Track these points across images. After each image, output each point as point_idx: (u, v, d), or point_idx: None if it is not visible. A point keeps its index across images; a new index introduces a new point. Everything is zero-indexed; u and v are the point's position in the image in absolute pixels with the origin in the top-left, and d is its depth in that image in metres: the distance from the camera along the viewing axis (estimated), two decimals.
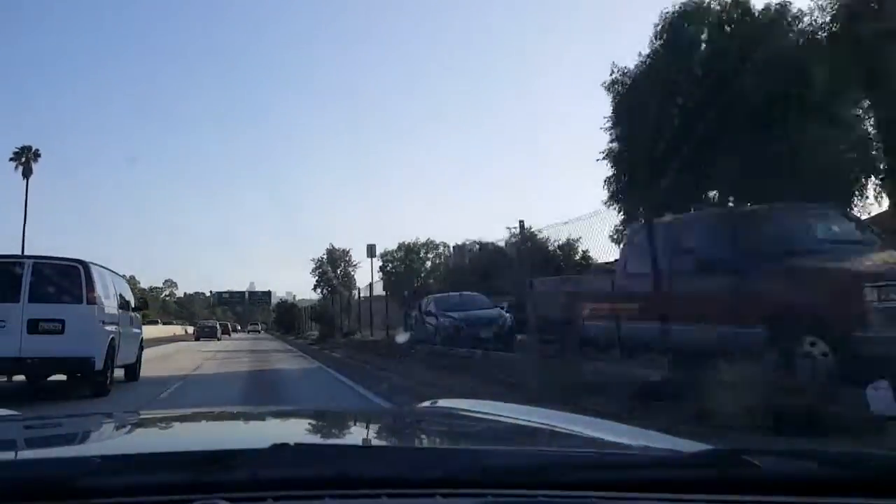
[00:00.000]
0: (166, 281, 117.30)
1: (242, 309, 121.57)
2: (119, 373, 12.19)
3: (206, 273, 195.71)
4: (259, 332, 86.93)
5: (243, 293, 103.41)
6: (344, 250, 54.62)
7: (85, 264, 10.63)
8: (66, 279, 10.37)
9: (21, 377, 10.80)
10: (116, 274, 12.90)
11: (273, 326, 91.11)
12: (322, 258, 54.67)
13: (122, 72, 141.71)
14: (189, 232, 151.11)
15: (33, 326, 9.99)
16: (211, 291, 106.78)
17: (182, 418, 2.49)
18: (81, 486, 1.10)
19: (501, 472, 1.20)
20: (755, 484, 1.20)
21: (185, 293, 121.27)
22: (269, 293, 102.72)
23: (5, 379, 10.83)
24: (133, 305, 13.27)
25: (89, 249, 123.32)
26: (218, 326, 56.96)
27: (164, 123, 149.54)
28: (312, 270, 54.06)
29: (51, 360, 10.05)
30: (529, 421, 1.98)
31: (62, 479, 1.12)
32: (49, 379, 11.02)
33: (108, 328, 10.98)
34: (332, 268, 53.64)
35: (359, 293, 33.41)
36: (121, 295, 12.21)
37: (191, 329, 63.60)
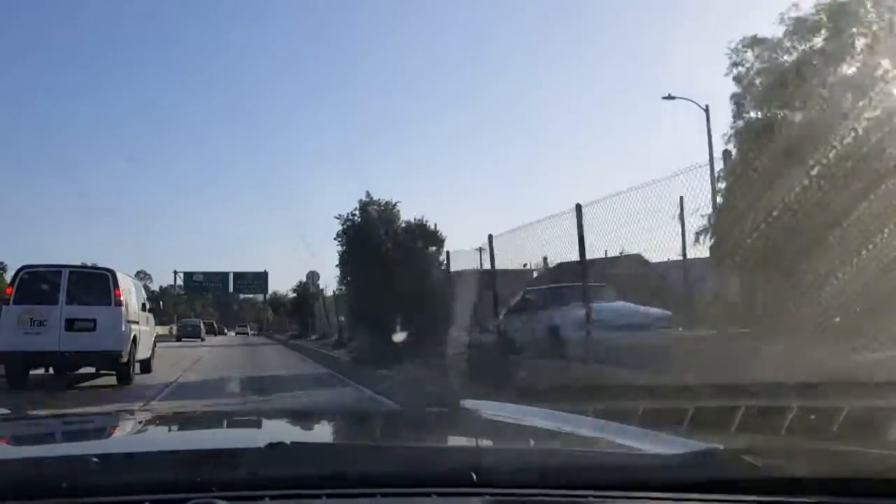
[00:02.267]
0: (138, 273, 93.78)
1: (226, 301, 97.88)
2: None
3: (184, 264, 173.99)
4: (248, 333, 70.60)
5: (226, 275, 71.94)
6: (388, 202, 35.26)
7: (112, 272, 12.40)
8: (97, 284, 12.14)
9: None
10: (136, 279, 14.67)
11: (275, 326, 68.46)
12: (353, 215, 35.64)
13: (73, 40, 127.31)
14: (165, 217, 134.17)
15: (70, 325, 11.76)
16: (175, 272, 73.70)
17: (179, 418, 2.55)
18: (79, 484, 1.12)
19: (497, 472, 1.22)
20: (755, 483, 1.21)
21: (160, 287, 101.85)
22: (264, 275, 72.32)
23: (43, 371, 12.60)
24: (149, 308, 15.04)
25: (48, 240, 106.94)
26: (202, 325, 51.44)
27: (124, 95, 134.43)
28: (338, 235, 35.92)
29: (85, 353, 11.80)
30: (529, 421, 2.01)
31: (60, 477, 1.13)
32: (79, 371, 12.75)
33: (132, 327, 12.67)
34: (369, 230, 35.76)
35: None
36: (140, 298, 13.97)
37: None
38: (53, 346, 11.63)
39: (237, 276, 74.39)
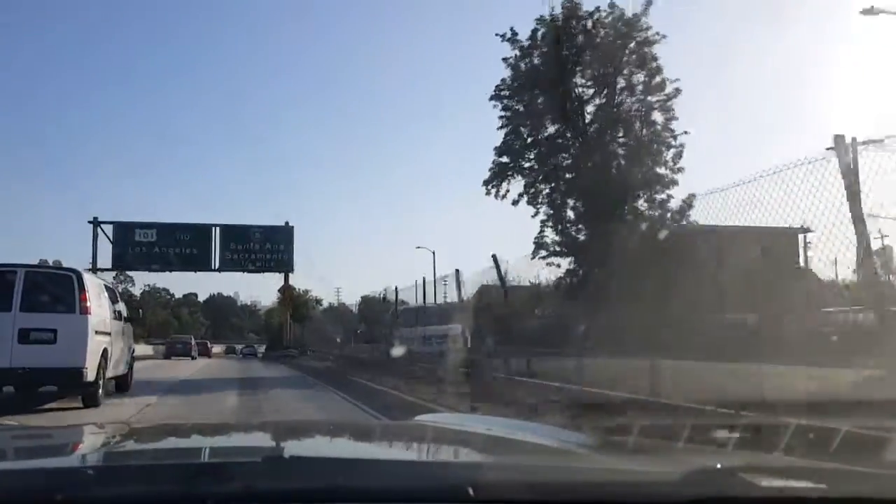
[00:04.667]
0: (118, 275, 74.45)
1: (221, 307, 78.47)
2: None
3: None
4: (257, 354, 51.13)
5: (205, 232, 41.32)
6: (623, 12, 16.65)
7: (78, 273, 10.61)
8: (58, 288, 10.31)
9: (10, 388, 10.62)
10: (109, 284, 12.86)
11: (318, 343, 35.96)
12: (538, 38, 16.79)
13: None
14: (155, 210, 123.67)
15: (24, 336, 9.87)
16: (96, 224, 40.65)
17: (176, 430, 2.49)
18: (75, 497, 1.10)
19: (494, 487, 1.20)
20: (752, 502, 1.22)
21: (144, 288, 78.70)
22: (285, 233, 42.79)
23: None
24: (125, 316, 13.14)
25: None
26: (193, 343, 43.83)
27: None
28: (496, 94, 18.10)
29: (42, 370, 9.90)
30: (524, 436, 1.98)
31: (56, 490, 1.11)
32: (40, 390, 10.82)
33: (101, 339, 10.83)
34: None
35: None
36: (113, 305, 12.07)
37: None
38: (3, 363, 9.73)
39: (229, 234, 40.75)
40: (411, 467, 1.53)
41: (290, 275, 44.87)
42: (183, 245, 41.20)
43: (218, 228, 42.16)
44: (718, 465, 1.47)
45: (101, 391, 10.81)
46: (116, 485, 1.17)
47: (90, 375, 10.22)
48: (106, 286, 12.28)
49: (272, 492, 1.14)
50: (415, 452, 2.00)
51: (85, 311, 10.20)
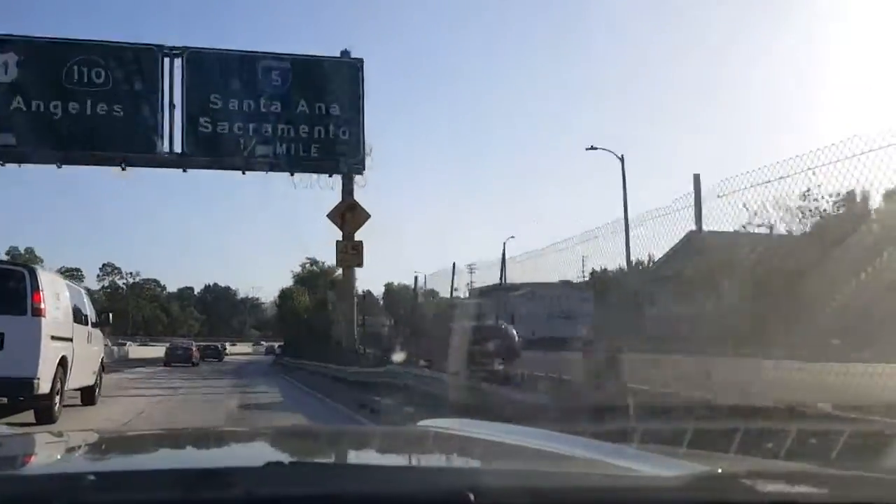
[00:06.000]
0: (105, 266, 67.63)
1: (215, 299, 68.10)
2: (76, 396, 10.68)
3: (164, 256, 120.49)
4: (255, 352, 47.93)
5: (155, 57, 17.87)
6: None
7: (32, 270, 9.46)
8: (8, 287, 9.12)
9: None
10: (72, 283, 11.64)
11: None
12: None
13: None
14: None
15: None
16: None
17: (176, 436, 2.51)
18: (75, 503, 1.10)
19: (495, 493, 1.19)
20: None
21: (131, 276, 68.68)
22: (350, 68, 19.67)
23: None
24: (92, 320, 11.84)
25: None
26: (194, 348, 40.78)
27: None
28: None
29: None
30: (525, 442, 1.93)
31: (56, 495, 1.11)
32: None
33: (58, 345, 9.58)
34: None
35: None
36: (76, 307, 10.79)
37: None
38: None
39: (208, 72, 18.50)
40: (412, 473, 1.53)
41: (358, 179, 20.25)
42: (89, 95, 18.43)
43: (180, 60, 19.28)
44: (720, 471, 1.47)
45: (57, 405, 9.51)
46: (116, 491, 1.14)
47: (43, 387, 8.97)
48: (68, 285, 11.02)
49: (273, 498, 1.13)
50: (416, 458, 1.98)
51: (38, 312, 8.99)
